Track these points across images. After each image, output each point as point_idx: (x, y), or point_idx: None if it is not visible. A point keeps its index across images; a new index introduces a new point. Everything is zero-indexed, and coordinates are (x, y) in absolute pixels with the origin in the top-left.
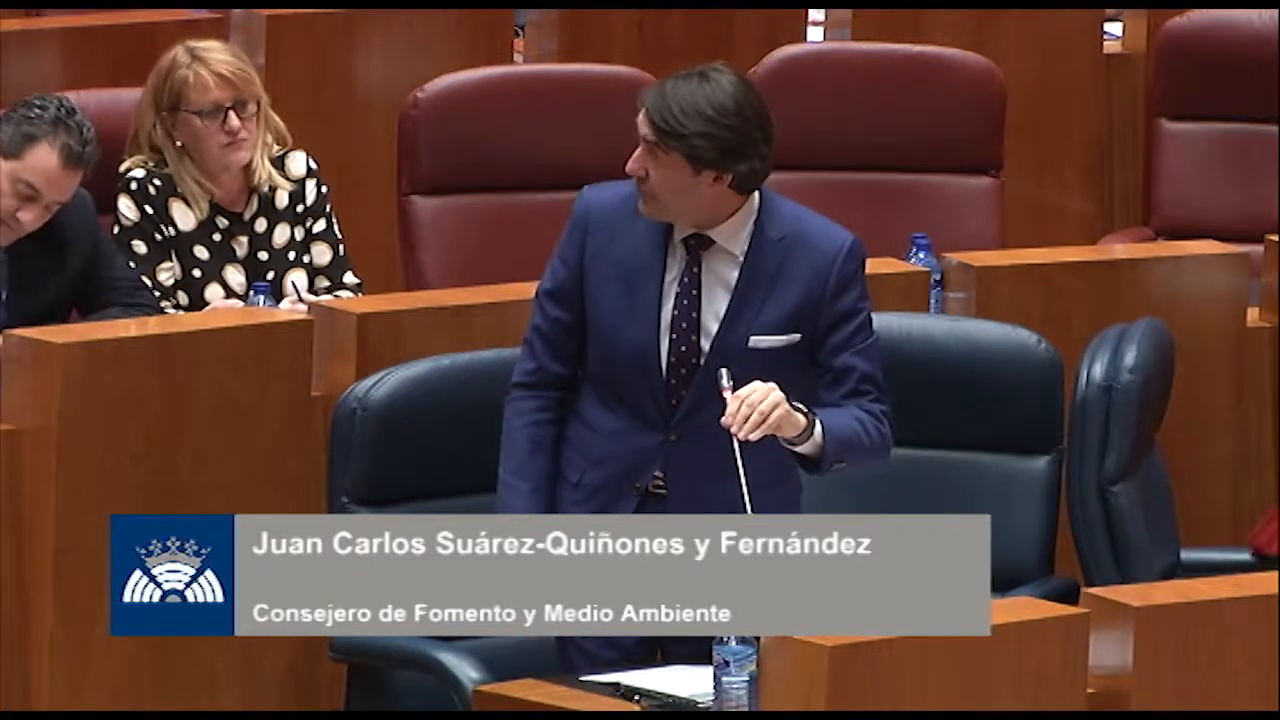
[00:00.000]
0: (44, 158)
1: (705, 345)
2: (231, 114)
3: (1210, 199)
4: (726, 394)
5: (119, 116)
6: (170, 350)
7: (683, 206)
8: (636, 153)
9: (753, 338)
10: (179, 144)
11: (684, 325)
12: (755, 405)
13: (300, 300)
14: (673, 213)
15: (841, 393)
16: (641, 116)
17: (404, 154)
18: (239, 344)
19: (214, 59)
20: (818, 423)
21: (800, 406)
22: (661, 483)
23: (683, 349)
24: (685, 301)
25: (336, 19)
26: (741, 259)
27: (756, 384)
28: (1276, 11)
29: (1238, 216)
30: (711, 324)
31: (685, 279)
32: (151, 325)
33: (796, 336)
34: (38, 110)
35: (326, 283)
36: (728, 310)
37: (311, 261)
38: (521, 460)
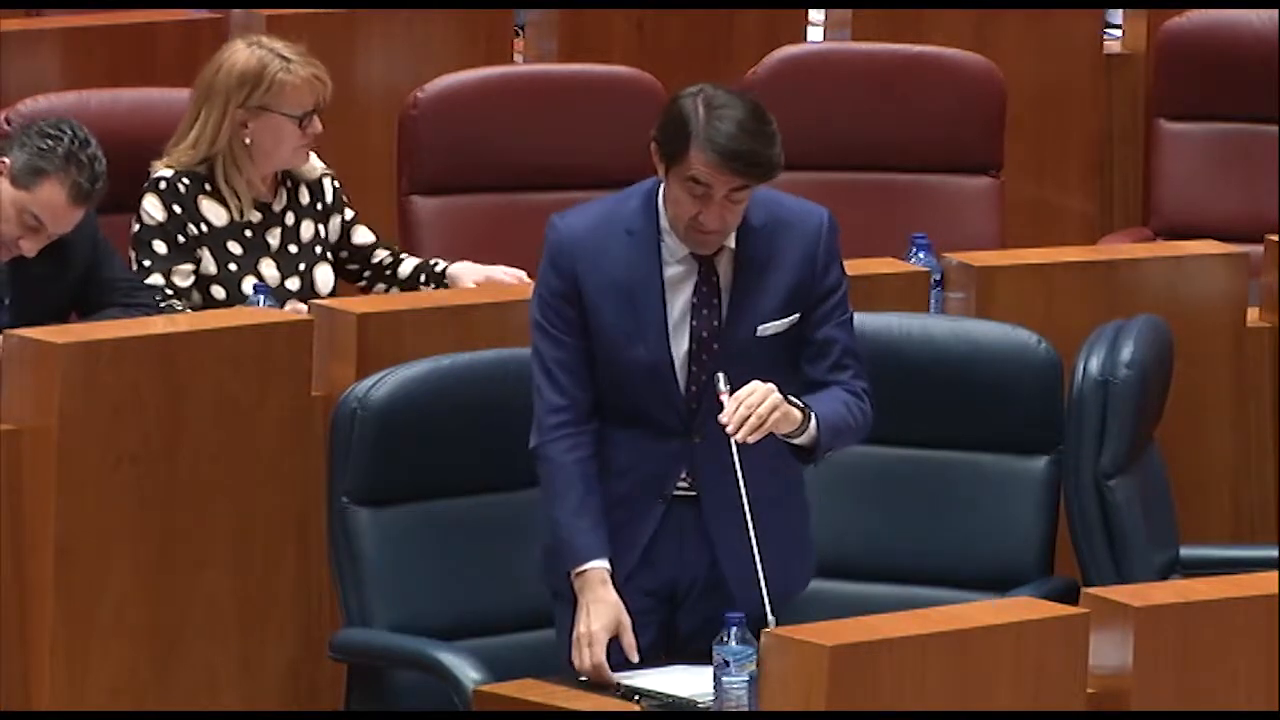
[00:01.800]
0: (53, 194)
1: (716, 345)
2: (315, 118)
3: (1210, 199)
4: (724, 397)
5: (119, 116)
6: (170, 350)
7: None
8: (714, 214)
9: (760, 326)
10: (247, 141)
11: (704, 334)
12: (754, 407)
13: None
14: (728, 237)
15: (825, 365)
16: (712, 175)
17: (404, 154)
18: (239, 344)
19: (301, 61)
20: (813, 415)
21: (795, 400)
22: (689, 485)
23: (704, 357)
24: (705, 311)
25: (336, 19)
26: (734, 251)
27: (755, 384)
28: (1276, 11)
29: (1237, 216)
30: (718, 323)
31: (704, 288)
32: (151, 325)
33: (796, 316)
34: (50, 141)
35: (385, 253)
36: (730, 305)
37: (357, 245)
38: (580, 498)
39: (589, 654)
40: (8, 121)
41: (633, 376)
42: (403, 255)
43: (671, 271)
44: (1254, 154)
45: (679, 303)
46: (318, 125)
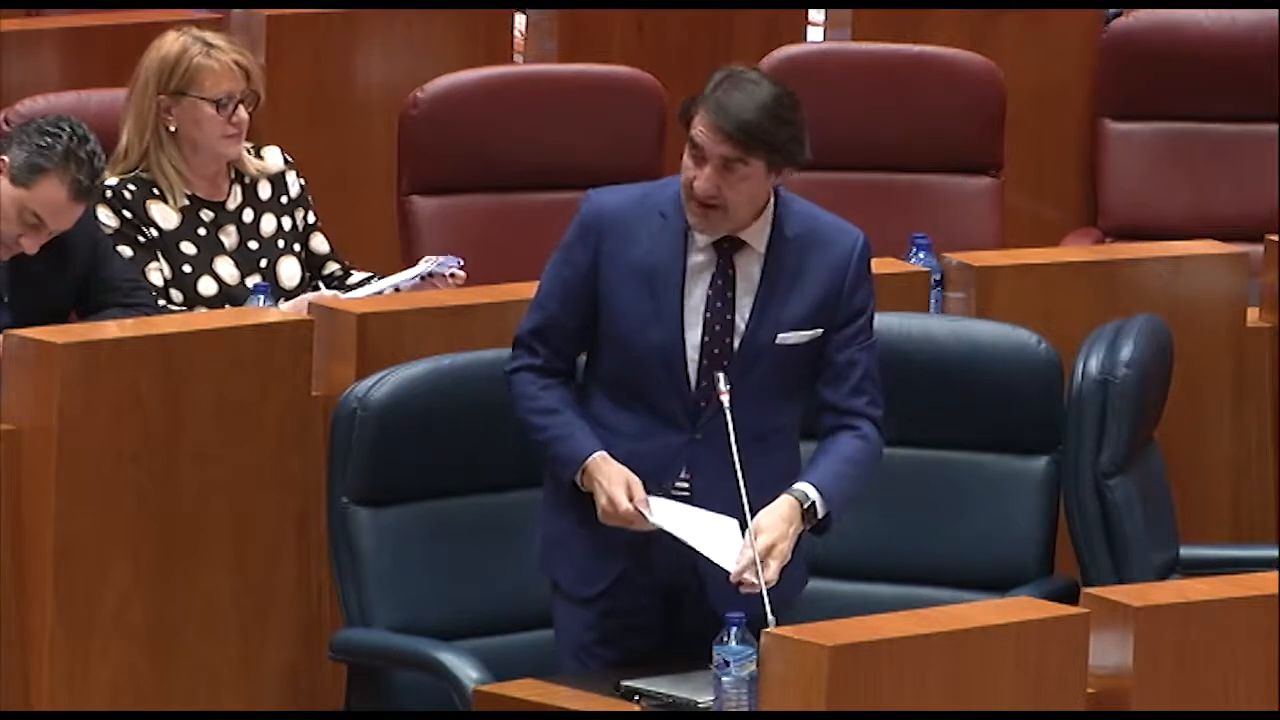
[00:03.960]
0: (52, 192)
1: (736, 344)
2: (241, 106)
3: (1158, 199)
4: (724, 397)
5: (118, 116)
6: (170, 350)
7: (746, 213)
8: (705, 176)
9: (780, 335)
10: (171, 129)
11: (717, 327)
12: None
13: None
14: (736, 222)
15: (844, 390)
16: (708, 136)
17: (404, 154)
18: (239, 344)
19: (226, 48)
20: (817, 503)
21: (801, 488)
22: (685, 483)
23: (715, 351)
24: (719, 304)
25: (336, 19)
26: (764, 256)
27: (783, 551)
28: (1225, 12)
29: (1186, 216)
30: (740, 323)
31: (719, 280)
32: (151, 325)
33: (819, 332)
34: (49, 139)
35: (336, 266)
36: (754, 308)
37: (312, 250)
38: (572, 414)
39: (622, 514)
40: (7, 122)
41: (645, 360)
42: (351, 269)
43: (695, 259)
44: (1200, 153)
45: (697, 291)
46: (243, 114)
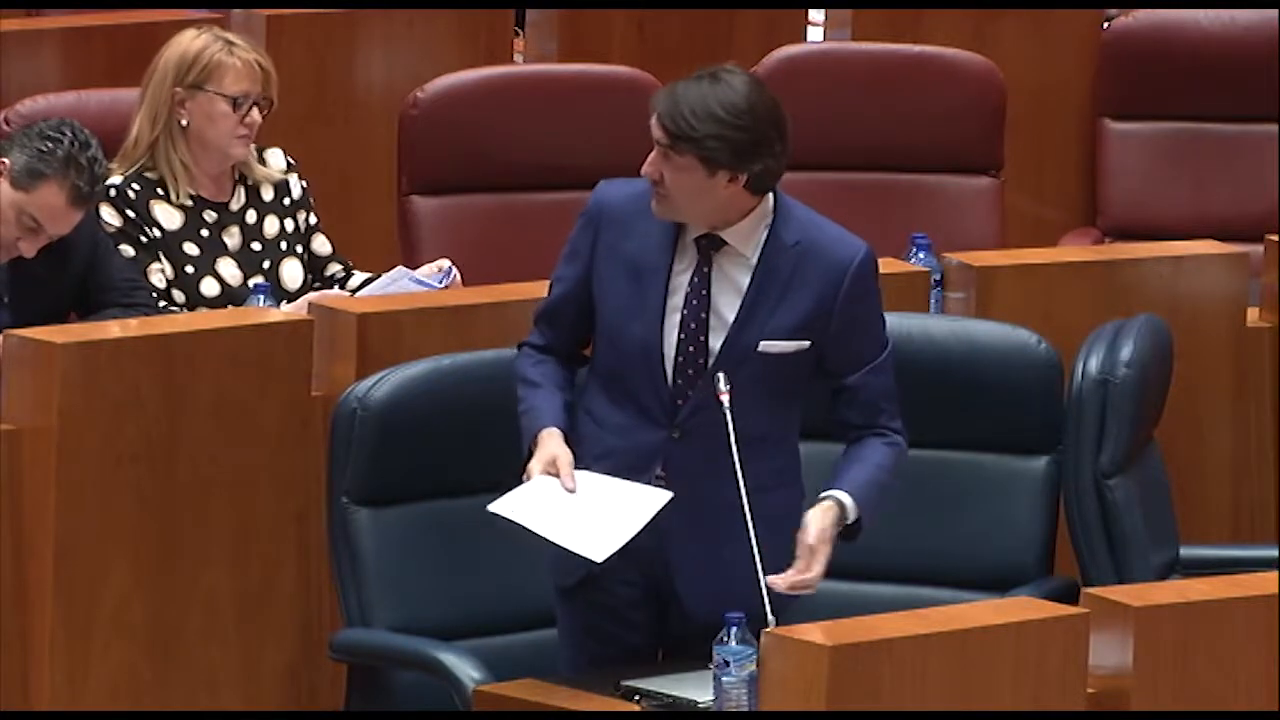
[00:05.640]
0: (51, 197)
1: (714, 345)
2: (255, 108)
3: (1157, 199)
4: (723, 397)
5: (119, 116)
6: (170, 350)
7: (697, 208)
8: (651, 156)
9: (763, 342)
10: (184, 123)
11: (692, 325)
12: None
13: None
14: (686, 214)
15: (859, 410)
16: (654, 121)
17: (404, 154)
18: (239, 344)
19: (246, 48)
20: (849, 505)
21: (838, 496)
22: (661, 481)
23: (690, 349)
24: (695, 301)
25: (336, 19)
26: (755, 262)
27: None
28: (1224, 12)
29: (1186, 216)
30: (721, 326)
31: (695, 279)
32: (151, 325)
33: (806, 344)
34: (50, 144)
35: (338, 267)
36: (739, 313)
37: (314, 252)
38: (541, 384)
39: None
40: (7, 122)
41: (629, 355)
42: (353, 270)
43: (682, 258)
44: (1199, 153)
45: (680, 290)
46: (256, 116)
